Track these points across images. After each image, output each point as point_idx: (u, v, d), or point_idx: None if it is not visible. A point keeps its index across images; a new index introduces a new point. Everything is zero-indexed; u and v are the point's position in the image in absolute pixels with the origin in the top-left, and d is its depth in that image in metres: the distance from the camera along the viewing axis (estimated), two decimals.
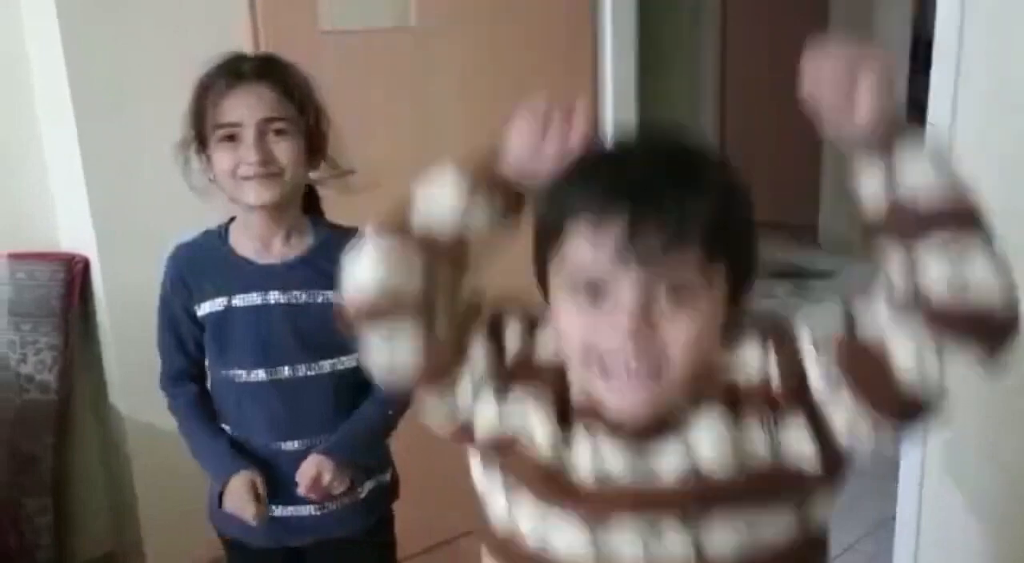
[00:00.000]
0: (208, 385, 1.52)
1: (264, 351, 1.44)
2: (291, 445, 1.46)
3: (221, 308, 1.43)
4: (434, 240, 0.87)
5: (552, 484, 0.86)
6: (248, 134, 1.36)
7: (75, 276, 2.10)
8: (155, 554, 2.21)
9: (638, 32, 2.70)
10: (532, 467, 0.87)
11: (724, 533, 0.84)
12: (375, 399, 1.46)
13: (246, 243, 1.46)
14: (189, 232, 1.54)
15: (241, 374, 1.45)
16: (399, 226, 0.88)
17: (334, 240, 1.38)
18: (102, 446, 2.30)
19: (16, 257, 2.10)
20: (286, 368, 1.44)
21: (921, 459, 2.00)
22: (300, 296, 1.42)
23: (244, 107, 1.36)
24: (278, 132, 1.38)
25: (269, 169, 1.37)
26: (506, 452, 0.90)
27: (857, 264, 5.18)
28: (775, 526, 0.86)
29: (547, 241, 0.85)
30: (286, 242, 1.45)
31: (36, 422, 2.11)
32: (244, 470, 1.43)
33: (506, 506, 0.91)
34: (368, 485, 1.54)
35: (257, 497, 1.41)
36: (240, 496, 1.42)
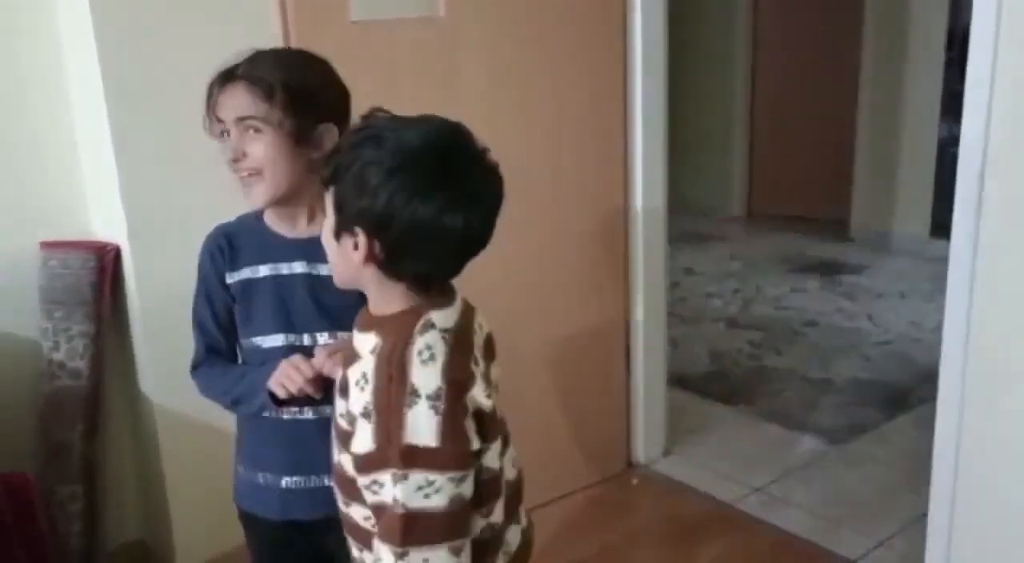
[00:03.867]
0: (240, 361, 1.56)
1: (286, 318, 1.48)
2: (310, 414, 1.48)
3: (249, 276, 1.48)
4: None
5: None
6: (231, 133, 1.42)
7: (107, 264, 2.12)
8: (184, 540, 2.23)
9: (669, 27, 2.67)
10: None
11: None
12: None
13: (277, 221, 1.50)
14: (218, 220, 1.55)
15: (264, 341, 1.48)
16: None
17: None
18: (133, 433, 2.32)
19: (49, 245, 2.13)
20: (306, 336, 1.48)
21: (955, 456, 1.97)
22: (322, 269, 1.44)
23: (227, 108, 1.41)
24: (255, 130, 1.41)
25: (245, 167, 1.41)
26: None
27: (888, 258, 5.14)
28: None
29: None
30: (311, 220, 1.48)
31: (67, 409, 2.14)
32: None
33: None
34: None
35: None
36: (292, 366, 1.41)
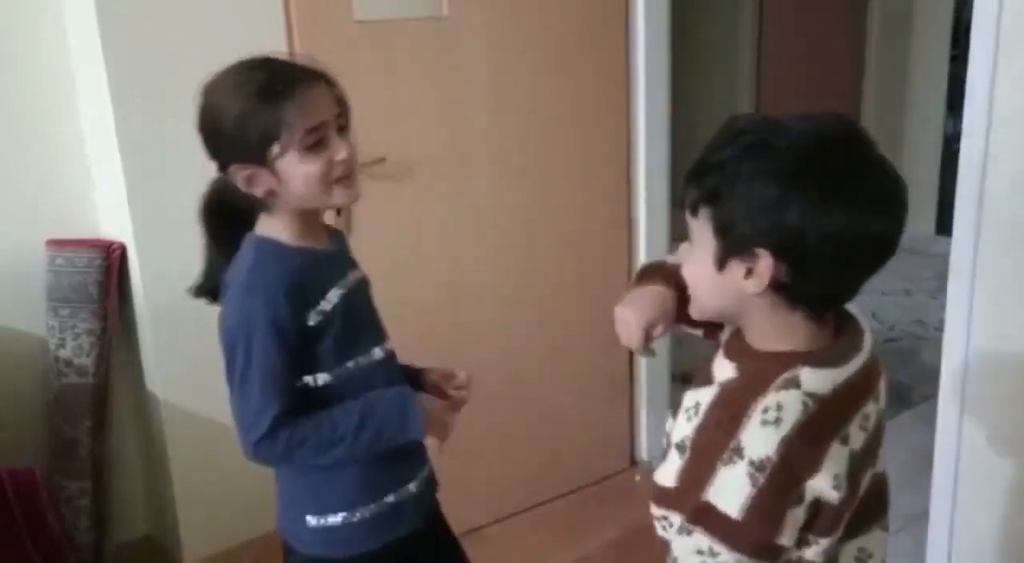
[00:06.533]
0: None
1: (376, 326, 1.47)
2: None
3: (338, 297, 1.36)
4: None
5: None
6: (327, 133, 1.31)
7: (113, 262, 2.14)
8: (191, 537, 2.25)
9: (674, 27, 2.68)
10: None
11: None
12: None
13: (312, 237, 1.39)
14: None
15: (371, 356, 1.42)
16: None
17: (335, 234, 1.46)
18: (139, 430, 2.34)
19: (55, 244, 2.14)
20: (387, 342, 1.47)
21: (956, 455, 1.98)
22: (361, 273, 1.45)
23: (324, 107, 1.31)
24: (344, 129, 1.36)
25: (351, 165, 1.35)
26: None
27: (891, 258, 5.12)
28: None
29: None
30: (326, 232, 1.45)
31: (74, 406, 2.15)
32: (414, 393, 1.44)
33: None
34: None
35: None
36: (440, 418, 1.44)
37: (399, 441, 1.39)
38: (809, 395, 0.96)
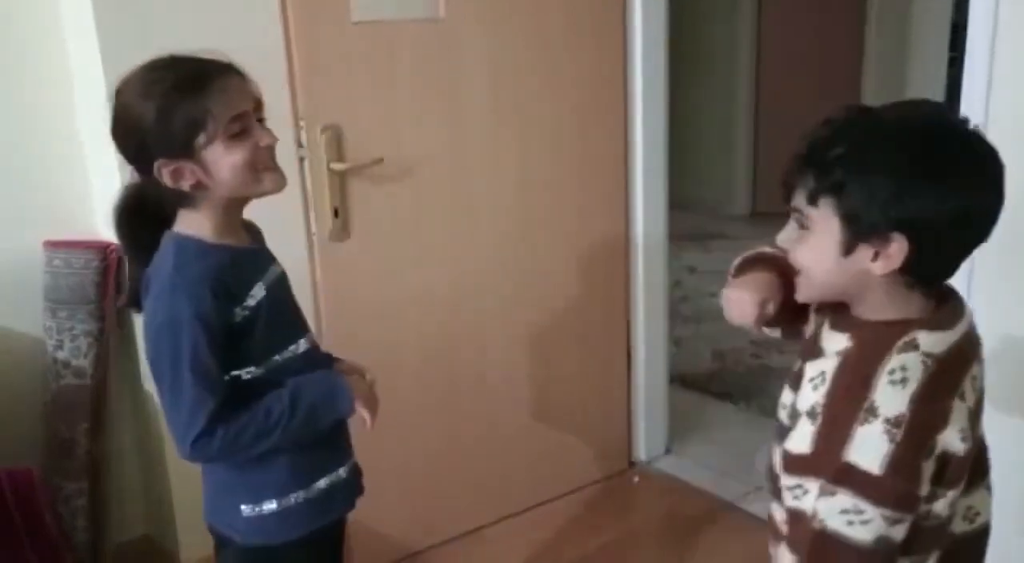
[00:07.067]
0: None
1: (299, 318, 1.50)
2: None
3: (263, 292, 1.39)
4: None
5: None
6: (249, 121, 1.35)
7: (110, 264, 2.14)
8: (188, 537, 2.24)
9: (672, 26, 2.68)
10: None
11: None
12: None
13: (233, 234, 1.42)
14: None
15: (297, 347, 1.45)
16: None
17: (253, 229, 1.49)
18: (137, 431, 2.34)
19: (53, 245, 2.14)
20: (310, 333, 1.50)
21: None
22: (280, 268, 1.48)
23: (246, 97, 1.35)
24: (264, 120, 1.40)
25: (273, 153, 1.40)
26: None
27: None
28: None
29: None
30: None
31: (72, 407, 2.16)
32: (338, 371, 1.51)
33: None
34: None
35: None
36: (368, 393, 1.49)
37: (331, 418, 1.44)
38: (927, 355, 1.04)
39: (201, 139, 1.29)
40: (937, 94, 4.80)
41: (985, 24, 1.80)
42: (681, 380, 3.40)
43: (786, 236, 1.12)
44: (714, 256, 5.16)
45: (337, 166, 2.10)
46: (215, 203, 1.35)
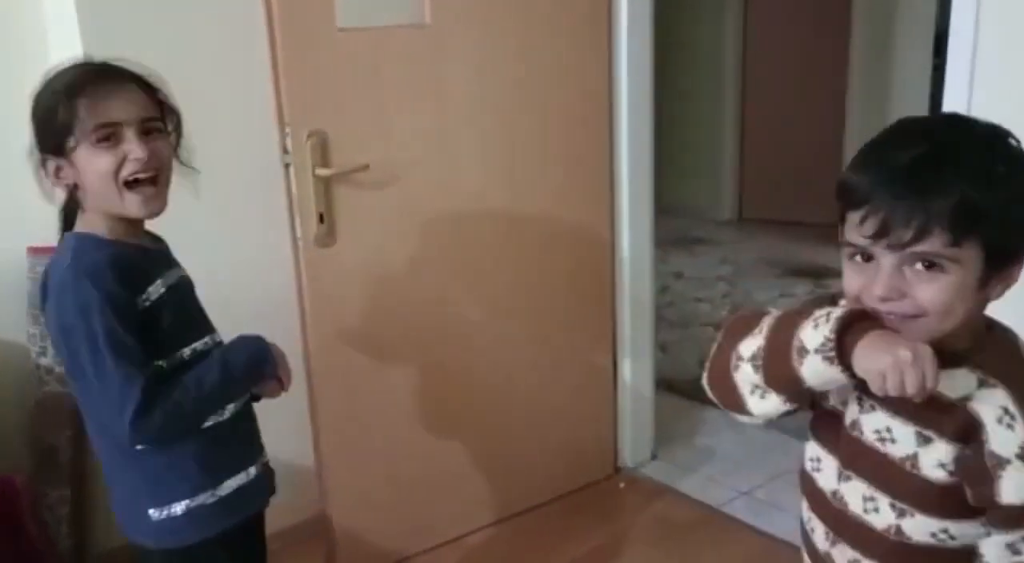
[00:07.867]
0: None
1: (205, 319, 1.52)
2: (233, 407, 1.50)
3: (164, 288, 1.41)
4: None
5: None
6: (125, 135, 1.38)
7: None
8: None
9: (659, 30, 2.69)
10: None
11: None
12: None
13: (133, 234, 1.45)
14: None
15: (200, 345, 1.47)
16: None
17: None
18: None
19: (36, 251, 2.13)
20: (216, 333, 1.52)
21: None
22: (184, 272, 1.51)
23: (124, 108, 1.38)
24: (158, 131, 1.42)
25: (153, 167, 1.40)
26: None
27: None
28: None
29: (840, 216, 1.08)
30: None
31: (56, 413, 2.15)
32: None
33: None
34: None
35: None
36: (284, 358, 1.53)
37: (264, 372, 1.48)
38: None
39: (71, 141, 1.33)
40: (922, 98, 4.84)
41: (966, 31, 1.82)
42: (667, 386, 3.40)
43: (890, 283, 0.99)
44: (700, 261, 5.18)
45: (323, 172, 2.10)
46: (101, 211, 1.39)
